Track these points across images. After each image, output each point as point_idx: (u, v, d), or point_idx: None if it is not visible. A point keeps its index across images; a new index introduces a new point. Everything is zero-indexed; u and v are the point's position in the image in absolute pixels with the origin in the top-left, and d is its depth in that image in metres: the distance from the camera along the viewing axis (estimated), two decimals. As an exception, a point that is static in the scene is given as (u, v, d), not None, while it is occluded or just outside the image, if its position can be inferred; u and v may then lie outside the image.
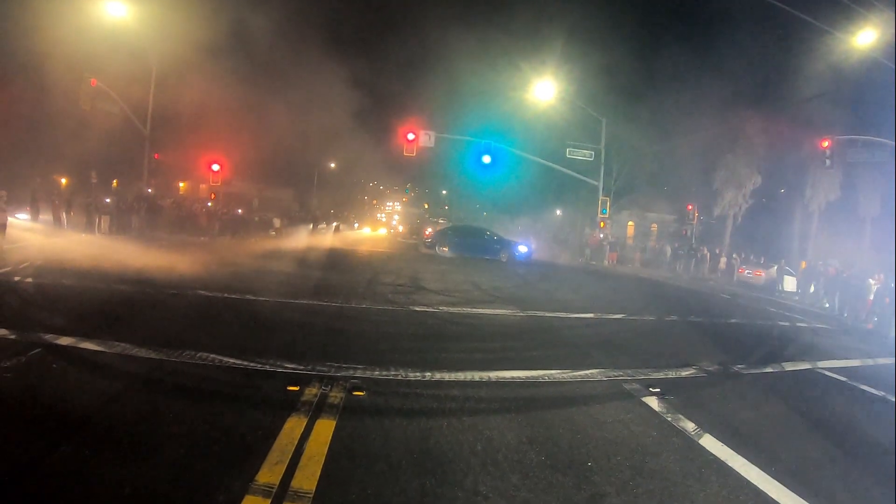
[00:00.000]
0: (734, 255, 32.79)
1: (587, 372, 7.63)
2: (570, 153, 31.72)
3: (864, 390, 8.66)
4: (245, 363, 6.73)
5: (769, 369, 9.23)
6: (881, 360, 11.65)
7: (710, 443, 5.37)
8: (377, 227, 60.79)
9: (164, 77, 30.65)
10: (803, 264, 26.58)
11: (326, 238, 36.43)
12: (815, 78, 30.52)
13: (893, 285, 15.35)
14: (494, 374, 7.13)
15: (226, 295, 11.50)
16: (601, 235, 34.56)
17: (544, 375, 7.33)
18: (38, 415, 4.91)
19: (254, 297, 11.40)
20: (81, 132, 32.29)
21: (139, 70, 29.61)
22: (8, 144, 29.48)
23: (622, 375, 7.56)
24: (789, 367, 9.63)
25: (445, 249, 28.66)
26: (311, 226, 37.70)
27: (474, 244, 29.15)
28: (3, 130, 28.89)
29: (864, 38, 21.02)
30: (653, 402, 6.46)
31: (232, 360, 6.77)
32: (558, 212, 55.72)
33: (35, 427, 4.63)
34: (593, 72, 35.70)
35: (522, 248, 29.81)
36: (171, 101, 31.41)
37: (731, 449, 5.25)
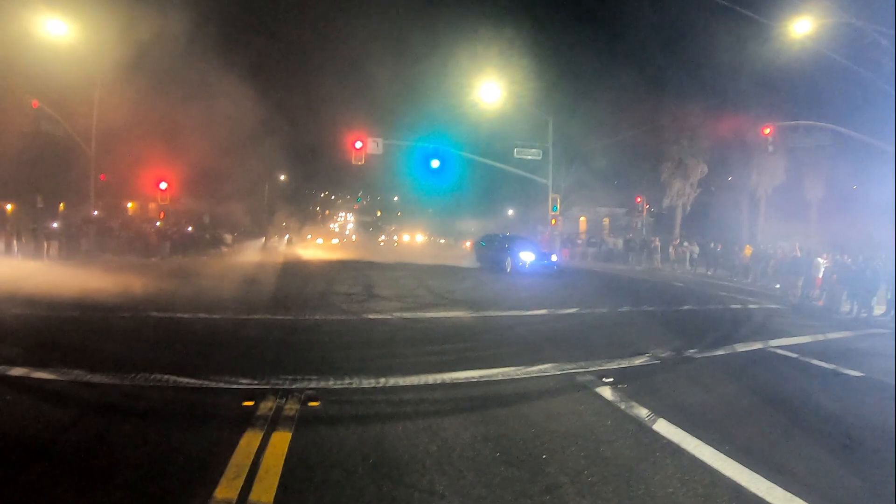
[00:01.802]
0: (685, 244, 33.31)
1: (541, 367, 7.69)
2: (517, 153, 31.96)
3: (814, 364, 8.87)
4: (200, 382, 6.66)
5: (721, 352, 9.42)
6: (831, 335, 11.98)
7: (663, 427, 5.44)
8: (330, 238, 60.42)
9: (108, 96, 30.01)
10: (748, 249, 27.14)
11: (279, 252, 36.15)
12: (755, 67, 31.36)
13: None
14: (448, 376, 7.17)
15: (179, 315, 11.39)
16: (557, 233, 34.85)
17: (498, 374, 7.37)
18: None
19: (207, 315, 11.28)
20: (24, 155, 31.48)
21: (82, 90, 28.95)
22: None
23: (575, 368, 7.64)
24: (741, 347, 9.84)
25: None
26: (264, 240, 37.31)
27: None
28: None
29: (800, 26, 21.59)
30: (606, 392, 6.55)
31: (186, 380, 6.69)
32: (510, 212, 56.08)
33: None
34: (538, 72, 36.12)
35: (526, 256, 24.73)
36: (115, 120, 30.73)
37: (685, 431, 5.33)
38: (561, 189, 34.72)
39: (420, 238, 57.64)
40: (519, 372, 7.47)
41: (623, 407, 6.04)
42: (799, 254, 20.81)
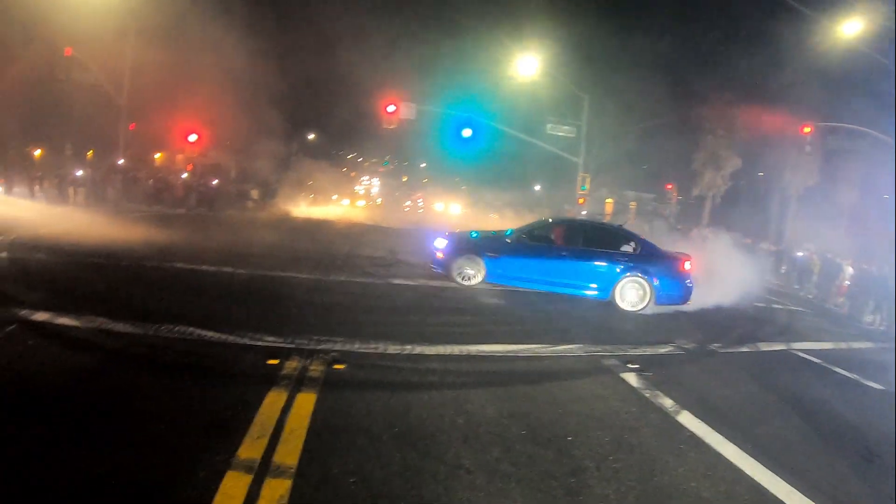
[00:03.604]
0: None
1: (567, 347, 7.70)
2: (550, 129, 31.53)
3: (836, 372, 8.79)
4: (224, 336, 6.66)
5: (745, 349, 9.36)
6: (854, 344, 11.84)
7: (687, 419, 5.42)
8: (356, 200, 60.24)
9: (141, 47, 30.03)
10: (771, 247, 26.78)
11: (305, 210, 36.17)
12: (800, 64, 30.63)
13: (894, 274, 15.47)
14: (475, 348, 7.15)
15: (203, 267, 11.40)
16: (584, 213, 34.50)
17: (524, 350, 7.38)
18: (13, 392, 4.81)
19: (232, 270, 11.28)
20: (56, 103, 31.66)
21: (115, 39, 28.95)
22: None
23: (601, 351, 7.63)
24: (764, 347, 9.77)
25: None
26: (289, 197, 37.26)
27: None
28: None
29: (850, 27, 21.07)
30: (631, 378, 6.52)
31: (211, 334, 6.69)
32: (537, 187, 55.66)
33: (9, 404, 4.54)
34: (576, 48, 35.57)
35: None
36: (148, 71, 30.79)
37: (708, 426, 5.30)
38: (590, 169, 34.32)
39: (449, 206, 56.86)
40: (545, 350, 7.48)
41: (648, 395, 6.02)
42: (814, 258, 20.55)
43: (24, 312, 7.01)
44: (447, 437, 4.48)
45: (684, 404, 5.80)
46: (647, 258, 12.01)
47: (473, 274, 12.16)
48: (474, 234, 13.65)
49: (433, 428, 4.62)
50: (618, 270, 11.78)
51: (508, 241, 12.68)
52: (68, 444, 3.98)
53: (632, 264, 11.84)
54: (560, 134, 31.63)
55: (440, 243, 12.52)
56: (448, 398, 5.34)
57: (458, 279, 12.12)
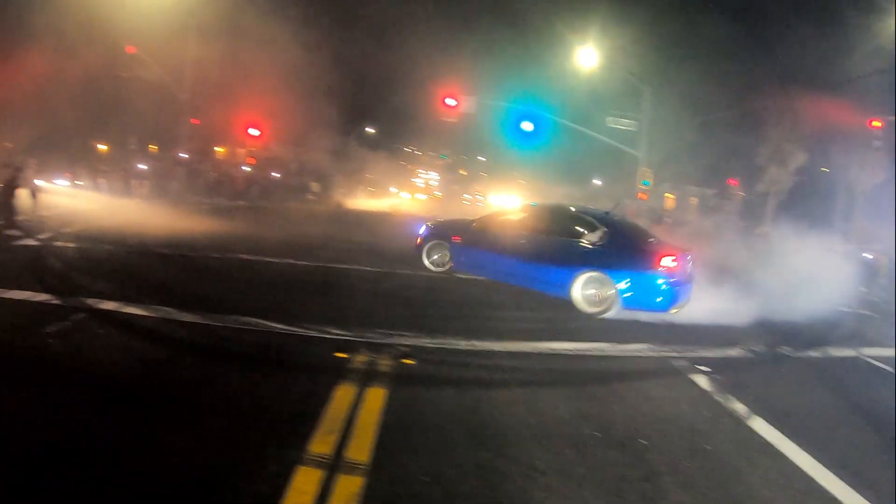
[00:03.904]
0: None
1: (635, 346, 7.63)
2: (611, 122, 31.00)
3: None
4: (291, 328, 6.78)
5: (815, 354, 9.03)
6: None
7: (760, 426, 5.28)
8: (415, 192, 60.48)
9: (202, 43, 30.74)
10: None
11: (363, 202, 36.50)
12: (870, 55, 29.49)
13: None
14: (543, 345, 7.16)
15: (267, 259, 11.64)
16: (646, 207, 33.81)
17: (593, 348, 7.35)
18: (83, 380, 4.95)
19: (295, 262, 11.51)
20: (120, 99, 32.60)
21: (177, 37, 29.71)
22: (46, 112, 29.87)
23: (669, 352, 7.51)
24: (834, 352, 9.39)
25: None
26: (348, 190, 37.71)
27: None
28: (42, 98, 29.26)
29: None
30: (701, 381, 6.40)
31: (277, 325, 6.83)
32: (598, 181, 54.92)
33: (79, 392, 4.66)
34: (637, 39, 34.92)
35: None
36: (210, 67, 31.52)
37: (781, 433, 5.15)
38: (652, 164, 33.67)
39: (507, 200, 56.31)
40: (614, 349, 7.43)
41: (719, 399, 5.90)
42: (881, 259, 19.78)
43: (91, 301, 7.25)
44: (519, 437, 4.48)
45: (756, 410, 5.65)
46: (613, 250, 9.82)
47: (441, 261, 11.70)
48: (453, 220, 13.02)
49: (505, 427, 4.63)
50: (576, 264, 9.80)
51: (473, 226, 11.62)
52: (140, 431, 4.06)
53: (593, 257, 9.79)
54: (620, 127, 31.07)
55: (422, 229, 12.16)
56: (518, 396, 5.34)
57: (430, 266, 11.75)
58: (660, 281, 9.18)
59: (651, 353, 7.42)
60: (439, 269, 11.57)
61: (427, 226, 12.24)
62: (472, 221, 11.93)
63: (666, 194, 44.69)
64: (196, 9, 28.74)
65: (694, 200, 48.08)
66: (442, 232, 11.86)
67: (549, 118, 30.07)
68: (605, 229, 10.09)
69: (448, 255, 11.51)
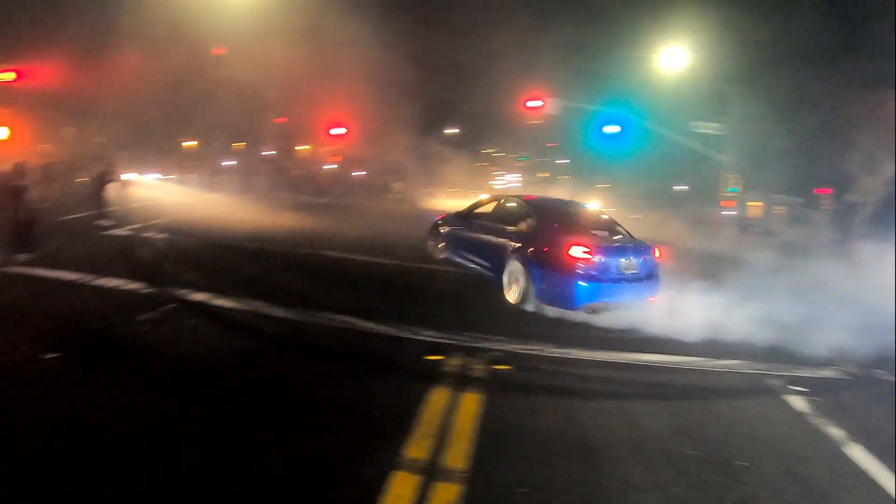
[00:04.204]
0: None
1: (729, 362, 7.41)
2: (700, 126, 30.29)
3: None
4: (382, 328, 6.91)
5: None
6: None
7: (858, 454, 5.13)
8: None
9: (287, 45, 31.49)
10: None
11: (446, 202, 36.62)
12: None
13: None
14: (635, 356, 7.08)
15: (355, 256, 11.82)
16: (734, 213, 32.72)
17: (686, 362, 7.21)
18: (175, 369, 5.19)
19: (383, 260, 11.63)
20: (208, 99, 33.74)
21: (263, 39, 30.57)
22: (138, 109, 31.24)
23: (762, 369, 7.30)
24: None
25: None
26: (430, 189, 37.90)
27: None
28: (134, 96, 30.62)
29: None
30: (796, 402, 6.25)
31: (368, 325, 6.96)
32: (684, 186, 53.39)
33: (170, 382, 4.90)
34: (723, 41, 33.95)
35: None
36: (295, 67, 32.25)
37: (880, 461, 5.00)
38: (738, 170, 32.67)
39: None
40: (707, 363, 7.27)
41: (815, 423, 5.77)
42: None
43: (182, 292, 7.55)
44: (617, 452, 4.49)
45: (853, 435, 5.49)
46: (532, 240, 9.32)
47: (437, 248, 12.26)
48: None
49: (602, 440, 4.67)
50: (505, 254, 9.61)
51: (458, 216, 11.81)
52: (232, 424, 4.22)
53: (516, 247, 9.47)
54: (706, 132, 30.30)
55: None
56: (613, 409, 5.36)
57: (433, 253, 12.20)
58: (567, 275, 8.46)
59: (744, 370, 7.23)
60: (440, 257, 12.03)
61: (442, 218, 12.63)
62: (459, 211, 12.07)
63: (749, 202, 43.20)
64: (282, 9, 29.50)
65: (781, 209, 46.29)
66: (440, 221, 12.56)
67: (635, 121, 29.55)
68: (531, 219, 9.83)
69: (442, 242, 12.12)
